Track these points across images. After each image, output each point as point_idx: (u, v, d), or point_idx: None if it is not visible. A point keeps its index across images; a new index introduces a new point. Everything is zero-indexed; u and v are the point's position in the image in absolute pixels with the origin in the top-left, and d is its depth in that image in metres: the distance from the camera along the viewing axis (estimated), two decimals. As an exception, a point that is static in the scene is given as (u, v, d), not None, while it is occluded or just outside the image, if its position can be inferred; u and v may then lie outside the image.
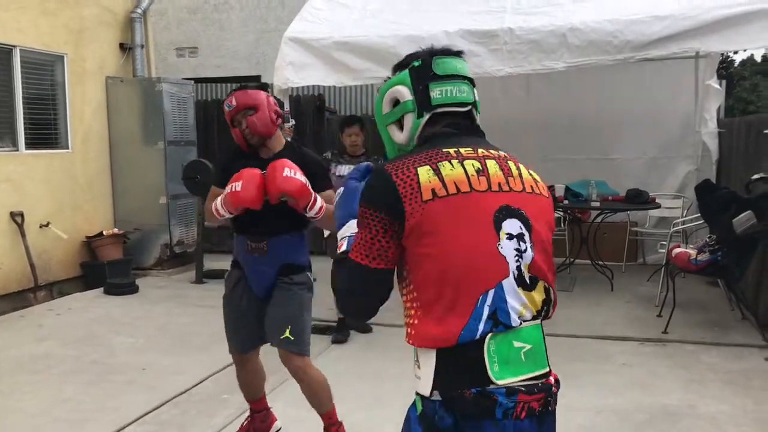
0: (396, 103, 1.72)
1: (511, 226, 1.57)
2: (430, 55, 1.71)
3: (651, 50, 4.76)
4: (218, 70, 11.55)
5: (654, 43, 4.73)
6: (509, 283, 1.56)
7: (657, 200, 7.22)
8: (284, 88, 5.47)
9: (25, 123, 7.02)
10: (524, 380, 1.56)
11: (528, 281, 1.59)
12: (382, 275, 1.60)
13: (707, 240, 5.51)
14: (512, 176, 1.62)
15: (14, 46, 6.87)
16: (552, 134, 8.26)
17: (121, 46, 8.34)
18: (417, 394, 1.62)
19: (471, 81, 1.72)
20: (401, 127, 1.72)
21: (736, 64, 36.30)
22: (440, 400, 1.55)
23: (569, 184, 7.23)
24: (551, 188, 7.17)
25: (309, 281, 3.34)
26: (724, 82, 8.83)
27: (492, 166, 1.61)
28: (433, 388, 1.55)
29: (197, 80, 9.66)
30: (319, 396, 3.32)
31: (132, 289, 7.11)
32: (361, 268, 1.60)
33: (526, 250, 1.58)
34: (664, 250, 6.33)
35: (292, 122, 5.62)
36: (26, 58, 7.03)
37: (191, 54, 11.93)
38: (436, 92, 1.67)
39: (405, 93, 1.69)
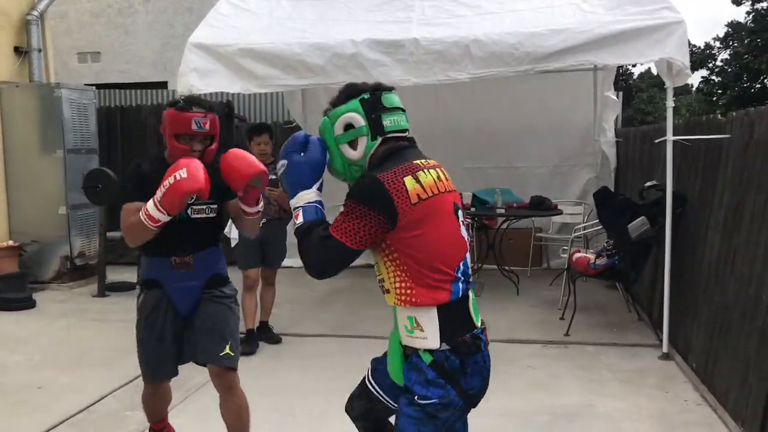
0: (349, 127, 2.15)
1: (460, 215, 2.19)
2: (375, 90, 2.18)
3: (550, 62, 4.93)
4: (123, 76, 11.20)
5: (552, 55, 4.90)
6: (468, 257, 2.18)
7: (559, 207, 7.47)
8: (187, 94, 5.36)
9: None
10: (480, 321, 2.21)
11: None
12: (356, 255, 2.07)
13: (605, 245, 5.75)
14: (447, 180, 2.20)
15: None
16: (460, 143, 8.42)
17: (16, 49, 7.96)
18: (422, 350, 2.10)
19: (404, 110, 2.24)
20: (354, 147, 2.16)
21: (635, 77, 38.16)
22: (449, 348, 2.08)
23: (476, 191, 7.39)
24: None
25: (235, 293, 3.25)
26: (621, 93, 9.27)
27: (441, 173, 2.18)
28: (441, 340, 2.08)
29: (100, 86, 9.34)
30: (243, 417, 3.18)
31: (28, 304, 6.78)
32: (345, 248, 2.05)
33: (464, 232, 2.20)
34: (566, 255, 6.57)
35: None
36: None
37: (94, 59, 11.53)
38: (387, 122, 2.16)
39: (359, 120, 2.15)
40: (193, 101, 3.00)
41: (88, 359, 5.17)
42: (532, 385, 4.56)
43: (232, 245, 5.66)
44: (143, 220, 2.79)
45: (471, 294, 2.16)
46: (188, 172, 2.71)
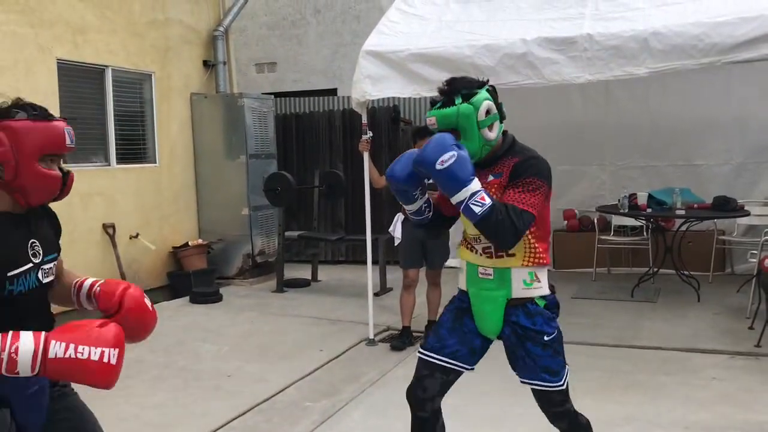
0: (488, 112, 2.49)
1: None
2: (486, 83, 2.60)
3: (739, 53, 4.56)
4: (296, 84, 11.79)
5: (742, 45, 4.54)
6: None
7: (746, 207, 6.94)
8: (362, 101, 5.55)
9: (116, 139, 7.37)
10: None
11: None
12: (533, 219, 2.48)
13: (802, 249, 5.26)
14: None
15: (106, 66, 7.22)
16: (633, 140, 8.08)
17: (205, 63, 8.65)
18: (538, 297, 2.60)
19: None
20: (491, 130, 2.51)
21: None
22: (553, 294, 2.66)
23: (652, 191, 7.04)
24: (633, 195, 7.01)
25: None
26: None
27: None
28: (550, 290, 2.65)
29: (276, 94, 9.91)
30: None
31: (216, 298, 7.33)
32: (533, 218, 2.45)
33: None
34: (755, 260, 6.07)
35: (370, 134, 5.69)
36: (117, 78, 7.39)
37: (270, 69, 12.22)
38: (504, 109, 2.60)
39: (493, 106, 2.52)
40: (33, 106, 1.99)
41: (270, 351, 5.51)
42: (720, 398, 4.26)
43: (395, 244, 5.80)
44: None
45: None
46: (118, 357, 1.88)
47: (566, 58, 5.01)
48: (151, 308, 2.15)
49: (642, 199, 6.91)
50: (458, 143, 2.41)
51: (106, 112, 7.27)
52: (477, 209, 2.36)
